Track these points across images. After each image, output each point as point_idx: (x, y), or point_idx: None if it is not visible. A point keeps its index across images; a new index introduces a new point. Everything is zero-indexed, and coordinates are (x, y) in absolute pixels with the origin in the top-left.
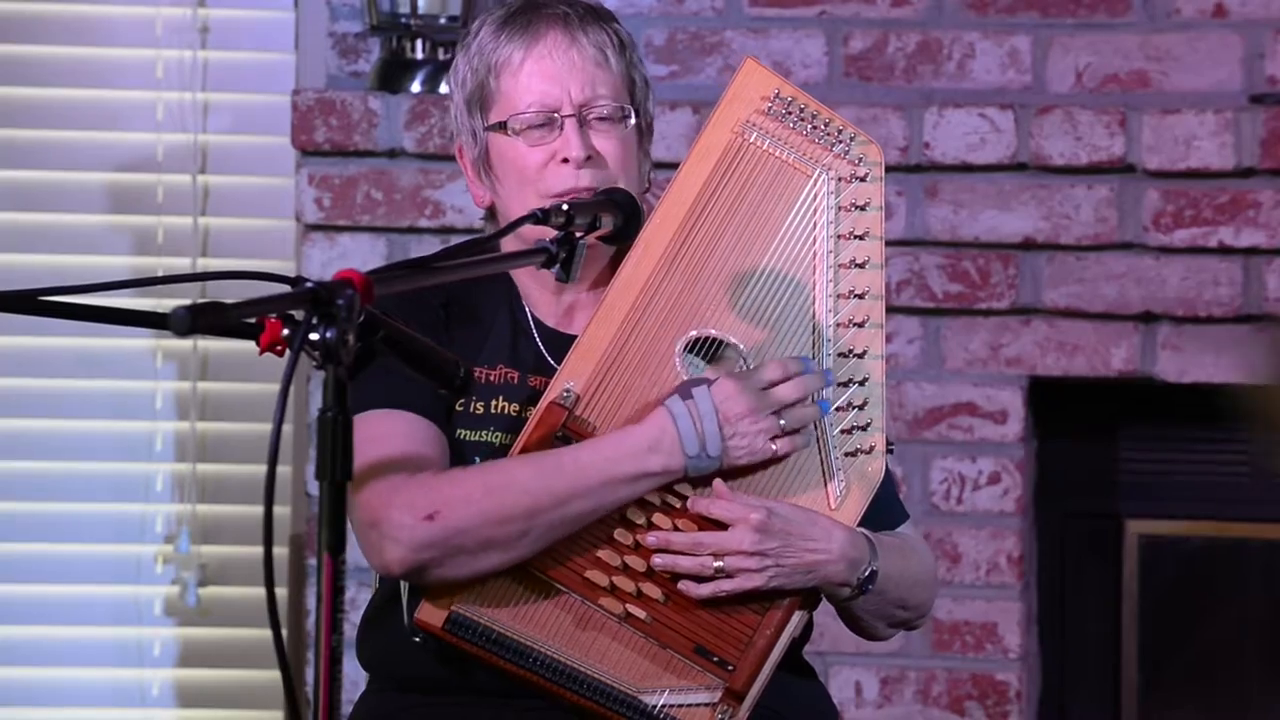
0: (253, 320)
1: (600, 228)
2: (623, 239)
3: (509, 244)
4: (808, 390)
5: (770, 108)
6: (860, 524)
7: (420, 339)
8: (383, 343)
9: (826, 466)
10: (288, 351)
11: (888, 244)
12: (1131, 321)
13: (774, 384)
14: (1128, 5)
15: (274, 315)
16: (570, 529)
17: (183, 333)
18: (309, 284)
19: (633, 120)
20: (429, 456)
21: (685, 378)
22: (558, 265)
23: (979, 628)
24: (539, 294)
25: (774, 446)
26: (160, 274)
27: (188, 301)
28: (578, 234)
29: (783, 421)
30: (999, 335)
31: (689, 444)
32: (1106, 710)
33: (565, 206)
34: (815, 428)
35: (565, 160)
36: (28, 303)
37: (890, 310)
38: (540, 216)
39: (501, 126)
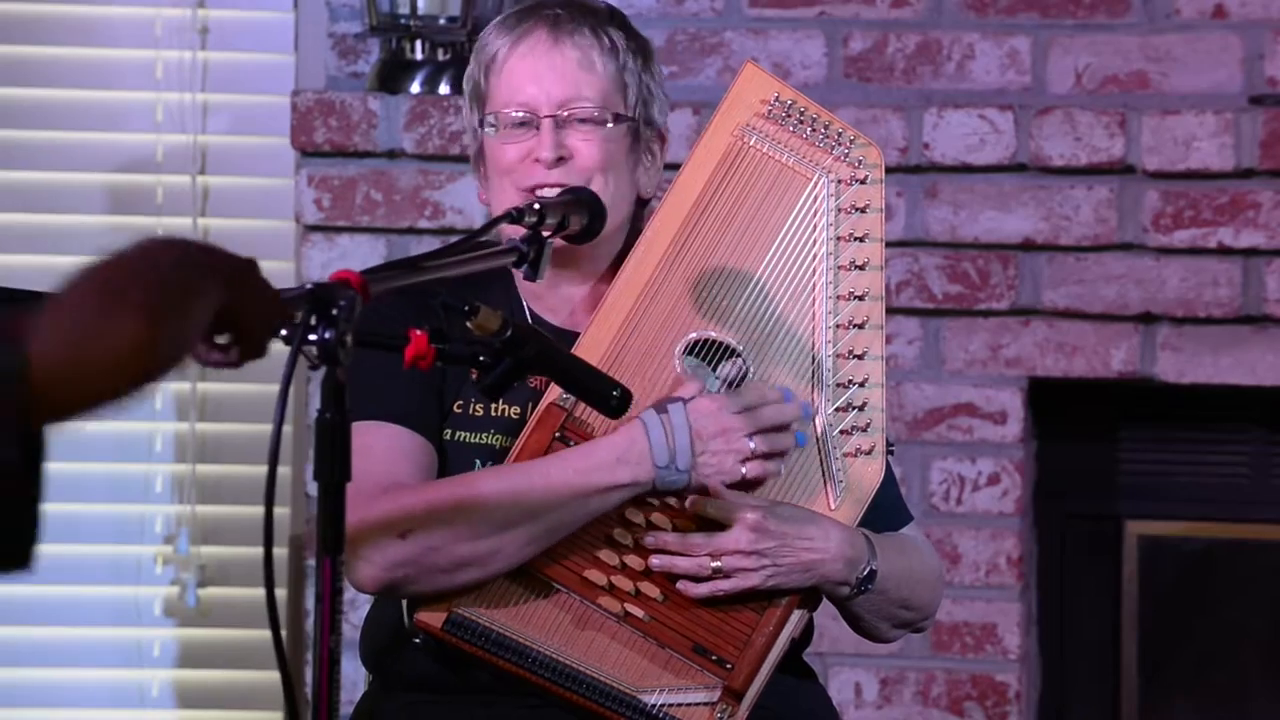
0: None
1: (568, 227)
2: (587, 238)
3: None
4: (784, 419)
5: (770, 111)
6: (862, 526)
7: (570, 356)
8: (535, 359)
9: (826, 467)
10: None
11: (887, 245)
12: (1131, 322)
13: (751, 409)
14: (1128, 6)
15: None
16: (546, 542)
17: None
18: (308, 284)
19: (613, 124)
20: (410, 471)
21: (685, 379)
22: (526, 264)
23: (978, 629)
24: (543, 291)
25: (743, 469)
26: None
27: None
28: (545, 233)
29: (753, 445)
30: (998, 336)
31: (659, 454)
32: (1106, 711)
33: (536, 205)
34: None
35: (538, 160)
36: None
37: (890, 311)
38: (515, 215)
39: (487, 123)
